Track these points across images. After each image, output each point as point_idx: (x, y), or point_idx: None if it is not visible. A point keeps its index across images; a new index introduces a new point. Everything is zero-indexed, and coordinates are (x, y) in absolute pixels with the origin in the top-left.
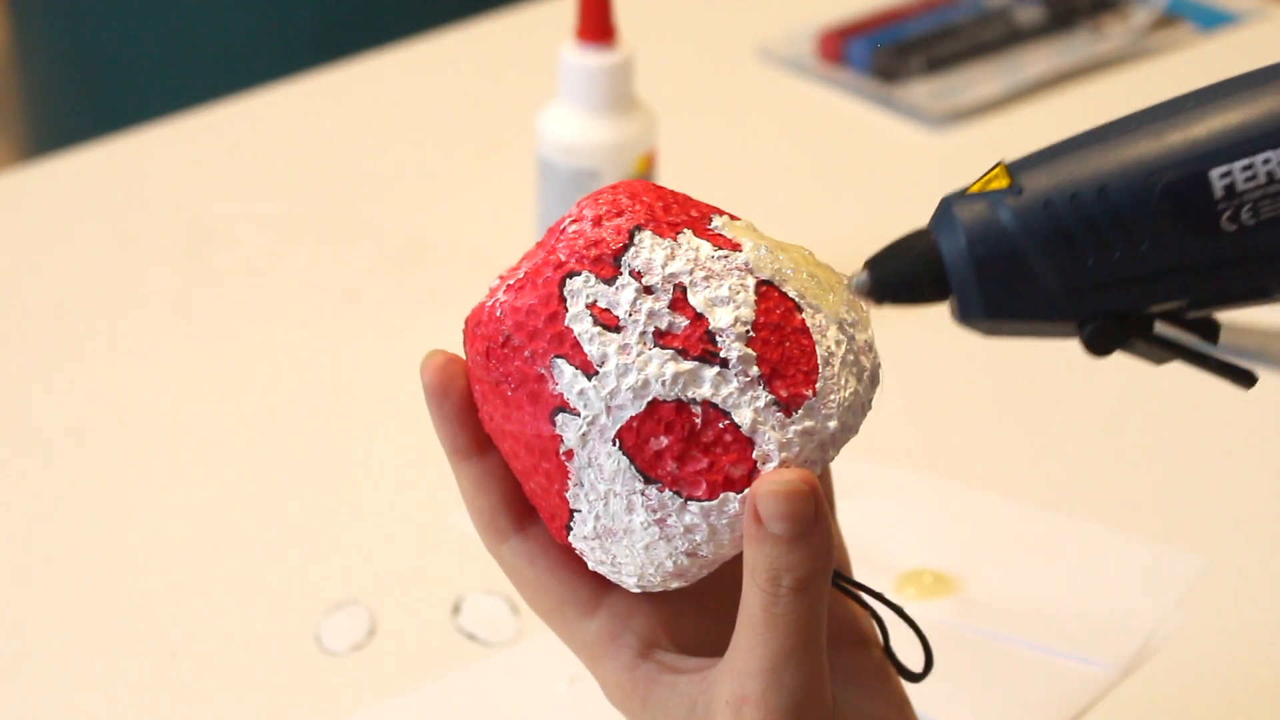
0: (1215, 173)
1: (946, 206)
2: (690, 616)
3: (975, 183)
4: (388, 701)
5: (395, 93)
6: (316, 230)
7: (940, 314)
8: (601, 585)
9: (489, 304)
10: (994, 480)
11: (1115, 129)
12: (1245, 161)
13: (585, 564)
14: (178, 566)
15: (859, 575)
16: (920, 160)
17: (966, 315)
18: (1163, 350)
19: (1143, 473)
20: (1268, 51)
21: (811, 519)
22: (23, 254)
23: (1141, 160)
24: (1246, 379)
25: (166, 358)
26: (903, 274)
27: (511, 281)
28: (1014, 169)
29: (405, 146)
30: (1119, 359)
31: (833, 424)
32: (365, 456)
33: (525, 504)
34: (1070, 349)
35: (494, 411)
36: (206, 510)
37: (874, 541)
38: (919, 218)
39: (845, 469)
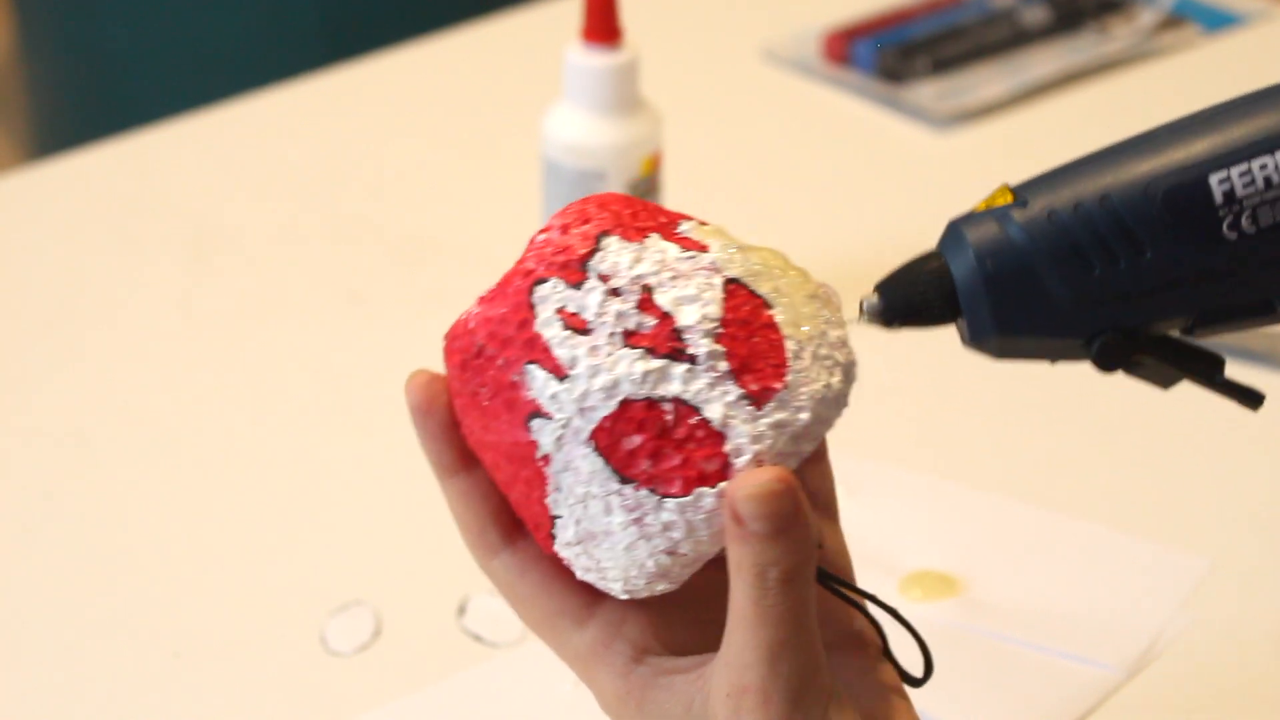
0: (1214, 178)
1: (953, 227)
2: (682, 623)
3: (980, 204)
4: (393, 703)
5: (400, 94)
6: (321, 231)
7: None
8: (593, 595)
9: (463, 318)
10: (999, 481)
11: (1116, 148)
12: (1243, 167)
13: (576, 574)
14: (182, 567)
15: (864, 576)
16: (926, 161)
17: (977, 335)
18: (1170, 369)
19: (1148, 474)
20: (1273, 52)
21: (791, 514)
22: (27, 255)
23: (1142, 170)
24: (1254, 400)
25: (171, 358)
26: (913, 296)
27: (484, 294)
28: (1018, 189)
29: (410, 147)
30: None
31: (804, 415)
32: (370, 457)
33: (513, 518)
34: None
35: (473, 424)
36: (211, 511)
37: (879, 542)
38: (925, 219)
39: (850, 469)
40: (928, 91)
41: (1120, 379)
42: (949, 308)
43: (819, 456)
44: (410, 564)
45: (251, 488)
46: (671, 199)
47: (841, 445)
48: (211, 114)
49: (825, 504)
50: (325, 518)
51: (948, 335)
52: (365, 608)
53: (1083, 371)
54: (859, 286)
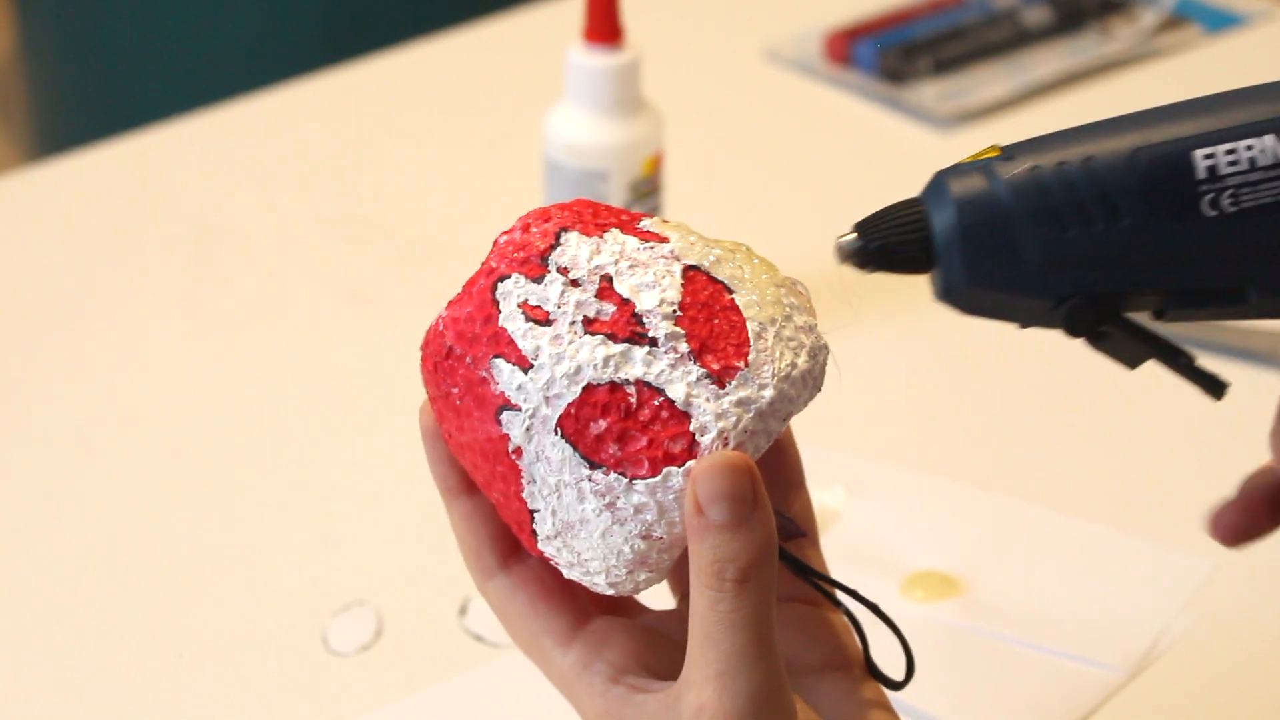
0: (1199, 153)
1: (938, 176)
2: (665, 649)
3: (967, 158)
4: (394, 703)
5: (402, 94)
6: (323, 232)
7: (948, 312)
8: (578, 618)
9: (434, 323)
10: (1001, 482)
11: (1112, 120)
12: (1229, 145)
13: (563, 599)
14: (185, 567)
15: (865, 577)
16: (927, 162)
17: (948, 284)
18: (1138, 346)
19: (1151, 475)
20: (1275, 53)
21: (750, 500)
22: (29, 255)
23: (1130, 139)
24: (1217, 388)
25: (173, 359)
26: (890, 239)
27: (452, 299)
28: (1007, 147)
29: (412, 147)
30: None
31: (768, 393)
32: (373, 457)
33: (509, 542)
34: (1080, 352)
35: (450, 426)
36: (214, 511)
37: (881, 543)
38: None
39: (851, 470)
40: (929, 92)
41: (1123, 371)
42: (924, 256)
43: (797, 485)
44: (412, 564)
45: (253, 488)
46: (673, 199)
47: (842, 445)
48: (212, 114)
49: (806, 531)
50: (327, 518)
51: (948, 335)
52: (367, 608)
53: (1088, 371)
54: (858, 286)
